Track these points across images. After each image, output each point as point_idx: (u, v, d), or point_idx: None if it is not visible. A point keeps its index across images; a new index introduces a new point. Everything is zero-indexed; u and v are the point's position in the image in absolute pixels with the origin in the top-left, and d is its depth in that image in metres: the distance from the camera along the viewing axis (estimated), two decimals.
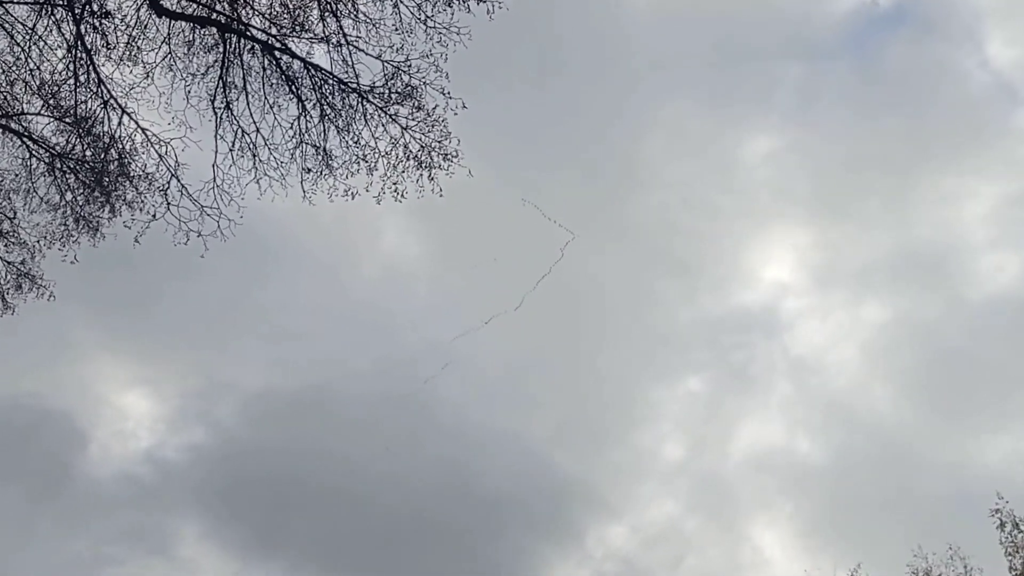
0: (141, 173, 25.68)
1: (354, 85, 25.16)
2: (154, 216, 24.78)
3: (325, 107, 25.23)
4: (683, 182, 68.51)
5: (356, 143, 25.75)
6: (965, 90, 70.82)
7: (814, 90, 74.03)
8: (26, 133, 26.54)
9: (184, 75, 24.63)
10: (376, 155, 25.74)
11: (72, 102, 24.97)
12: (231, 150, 24.99)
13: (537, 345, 63.32)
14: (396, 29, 24.35)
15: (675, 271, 68.78)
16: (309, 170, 25.86)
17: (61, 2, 24.19)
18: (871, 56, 73.49)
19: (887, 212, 71.79)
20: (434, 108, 25.30)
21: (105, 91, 24.85)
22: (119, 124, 24.99)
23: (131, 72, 24.82)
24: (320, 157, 25.81)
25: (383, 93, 25.17)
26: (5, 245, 27.33)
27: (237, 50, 24.71)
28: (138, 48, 24.51)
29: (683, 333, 70.46)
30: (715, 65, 68.81)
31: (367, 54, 24.83)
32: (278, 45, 24.79)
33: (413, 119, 25.34)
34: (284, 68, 25.00)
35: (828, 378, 70.12)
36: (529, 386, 66.06)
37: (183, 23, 24.53)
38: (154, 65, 24.65)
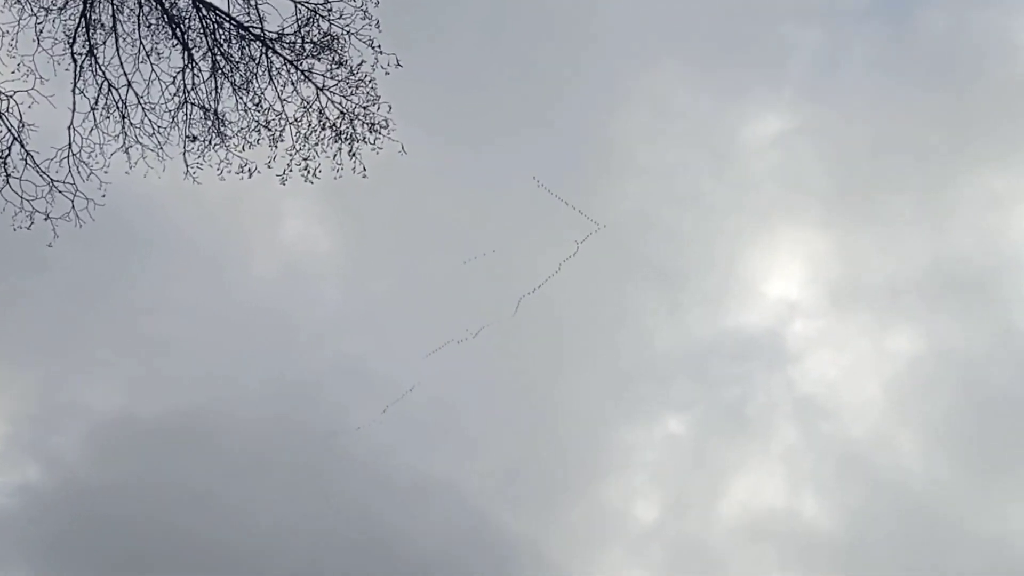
0: None
1: (257, 31, 25.15)
2: None
3: (219, 58, 25.25)
4: (667, 169, 69.56)
5: (257, 106, 25.67)
6: (1021, 66, 73.25)
7: (836, 59, 75.75)
8: None
9: (35, 8, 24.22)
10: (283, 122, 25.79)
11: None
12: (93, 109, 24.74)
13: (480, 374, 63.74)
14: None
15: (654, 282, 69.77)
16: (195, 138, 25.68)
17: None
18: (906, 20, 75.48)
19: (922, 215, 73.65)
20: (360, 65, 25.41)
21: None
22: None
23: None
24: (210, 122, 25.70)
25: (295, 43, 25.24)
26: None
27: None
28: None
29: (663, 360, 71.37)
30: (713, 24, 69.98)
31: None
32: None
33: (332, 78, 25.45)
34: (166, 5, 24.92)
35: (844, 424, 71.48)
36: (470, 425, 66.35)
37: None
38: None
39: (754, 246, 73.27)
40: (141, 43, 25.13)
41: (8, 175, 24.89)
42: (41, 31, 24.61)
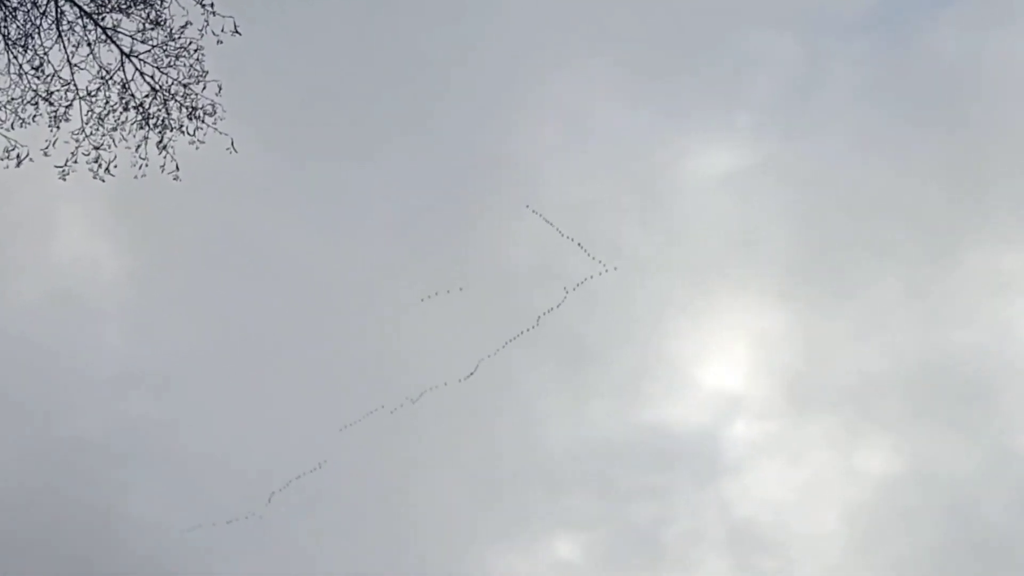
0: None
1: None
2: None
3: None
4: (575, 206, 70.50)
5: (37, 70, 25.59)
6: None
7: (812, 82, 78.03)
8: None
9: None
10: (71, 95, 25.84)
11: None
12: None
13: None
14: None
15: (549, 359, 70.33)
16: None
17: None
18: (907, 39, 78.22)
19: (910, 296, 75.67)
20: (183, 28, 25.63)
21: None
22: None
23: None
24: None
25: None
26: None
27: None
28: None
29: (555, 463, 71.82)
30: (657, 22, 71.81)
31: None
32: None
33: (144, 41, 25.62)
34: None
35: (791, 562, 72.34)
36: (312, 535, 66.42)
37: None
38: None
39: (688, 319, 74.34)
40: None
41: None
42: None
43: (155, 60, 25.92)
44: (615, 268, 68.12)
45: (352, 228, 70.92)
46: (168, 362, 66.23)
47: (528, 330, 68.86)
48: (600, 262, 67.98)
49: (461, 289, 67.76)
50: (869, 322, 75.24)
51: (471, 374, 68.61)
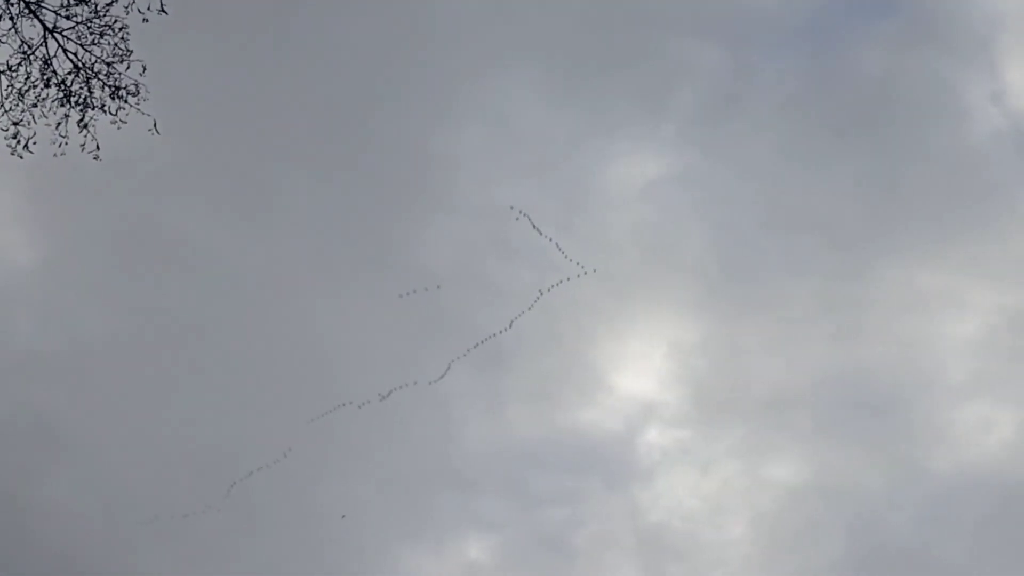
0: None
1: None
2: None
3: None
4: (498, 209, 70.54)
5: None
6: (967, 132, 77.41)
7: (740, 92, 78.52)
8: None
9: None
10: None
11: None
12: None
13: None
14: None
15: (466, 359, 70.05)
16: None
17: None
18: (835, 54, 79.06)
19: (825, 311, 76.38)
20: (109, 5, 25.46)
21: None
22: None
23: None
24: None
25: None
26: None
27: None
28: None
29: (468, 464, 71.78)
30: (585, 28, 72.01)
31: None
32: None
33: (69, 17, 25.45)
34: None
35: (699, 569, 73.05)
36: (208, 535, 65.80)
37: None
38: None
39: (605, 325, 74.61)
40: None
41: None
42: None
43: (79, 37, 25.76)
44: (594, 270, 68.55)
45: (275, 222, 70.61)
46: (79, 349, 65.44)
47: (500, 332, 69.44)
48: (579, 264, 68.35)
49: (439, 287, 68.08)
50: (783, 334, 75.98)
51: (442, 376, 69.18)
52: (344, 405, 67.03)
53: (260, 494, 67.05)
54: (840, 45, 79.08)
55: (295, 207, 70.49)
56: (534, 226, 68.12)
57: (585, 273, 68.24)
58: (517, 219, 68.28)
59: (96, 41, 25.79)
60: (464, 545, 72.22)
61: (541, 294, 68.46)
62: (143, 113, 26.36)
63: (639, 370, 76.27)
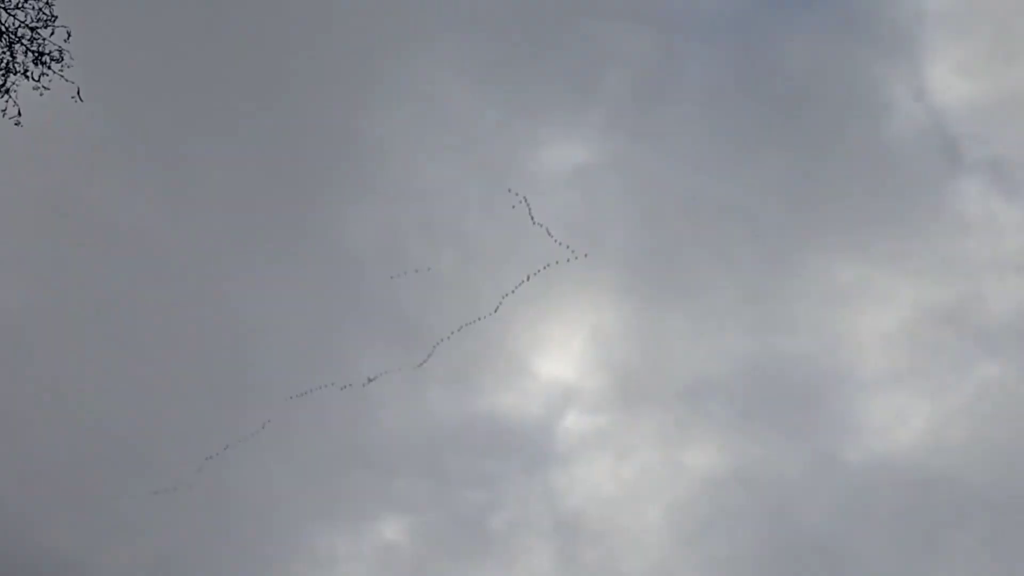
0: None
1: None
2: None
3: None
4: (424, 191, 70.67)
5: None
6: (890, 128, 78.66)
7: (666, 80, 79.01)
8: None
9: None
10: None
11: None
12: None
13: None
14: None
15: (386, 339, 69.99)
16: None
17: None
18: (762, 44, 79.64)
19: (747, 299, 77.09)
20: None
21: None
22: None
23: None
24: None
25: None
26: None
27: None
28: None
29: (385, 445, 71.66)
30: (514, 13, 72.07)
31: None
32: None
33: None
34: None
35: (614, 553, 73.38)
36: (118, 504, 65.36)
37: None
38: None
39: (527, 309, 74.51)
40: None
41: None
42: None
43: (2, 1, 25.32)
44: (585, 255, 68.58)
45: (198, 198, 70.10)
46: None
47: (487, 316, 69.48)
48: (569, 248, 68.34)
49: (429, 269, 68.04)
50: (704, 324, 76.53)
51: (424, 361, 69.26)
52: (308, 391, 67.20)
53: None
54: (768, 37, 79.91)
55: (219, 183, 70.09)
56: (529, 212, 68.30)
57: (576, 258, 68.68)
58: (514, 207, 68.48)
59: (20, 5, 25.47)
60: (380, 526, 72.28)
61: (528, 278, 68.86)
62: (67, 80, 26.05)
63: (560, 356, 76.71)
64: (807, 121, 77.78)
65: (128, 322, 67.83)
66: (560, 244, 67.99)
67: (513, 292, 68.39)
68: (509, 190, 68.51)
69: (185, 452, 66.57)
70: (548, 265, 68.46)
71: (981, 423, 73.07)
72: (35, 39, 25.54)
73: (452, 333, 69.41)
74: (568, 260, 68.49)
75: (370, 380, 68.58)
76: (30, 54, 25.57)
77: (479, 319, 68.88)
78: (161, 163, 67.64)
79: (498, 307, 68.99)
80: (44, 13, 25.33)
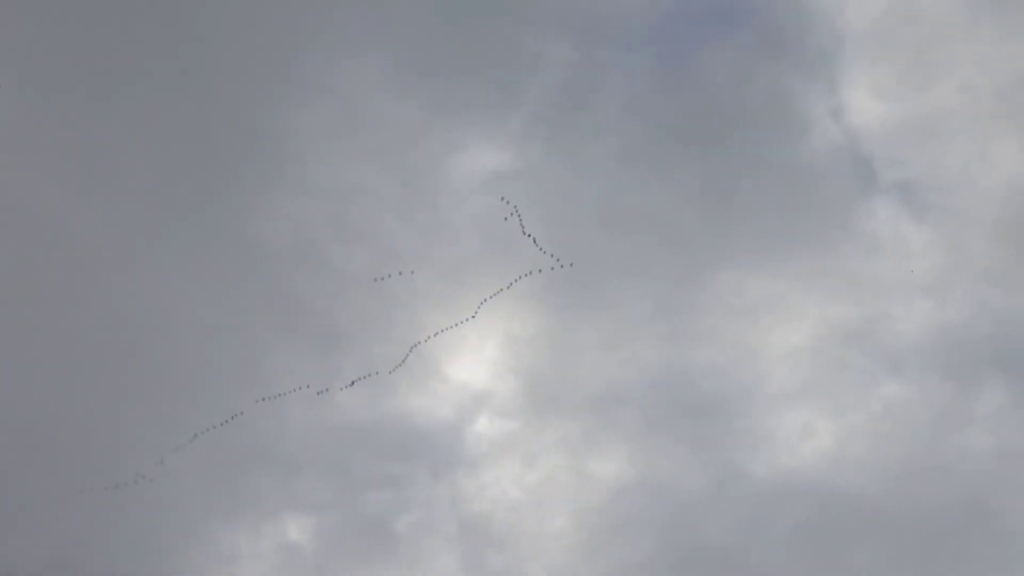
0: None
1: None
2: None
3: None
4: (342, 191, 70.57)
5: None
6: (806, 146, 79.69)
7: (587, 92, 79.27)
8: None
9: None
10: None
11: None
12: None
13: None
14: None
15: (293, 339, 69.81)
16: None
17: None
18: (683, 61, 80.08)
19: (659, 311, 77.64)
20: None
21: None
22: None
23: None
24: None
25: None
26: None
27: None
28: None
29: (290, 444, 71.51)
30: (439, 19, 71.91)
31: None
32: None
33: None
34: None
35: (519, 559, 73.80)
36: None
37: None
38: None
39: (441, 312, 74.57)
40: None
41: None
42: None
43: None
44: (570, 264, 68.97)
45: (113, 188, 69.67)
46: None
47: (466, 320, 69.66)
48: (554, 256, 68.61)
49: (412, 272, 68.10)
50: (616, 333, 76.91)
51: (400, 363, 69.32)
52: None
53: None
54: (689, 51, 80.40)
55: (136, 175, 69.66)
56: (520, 222, 68.59)
57: (562, 266, 69.15)
58: (506, 218, 68.92)
59: None
60: (283, 526, 72.28)
61: (511, 285, 69.35)
62: None
63: (472, 360, 76.80)
64: (725, 136, 78.48)
65: (34, 315, 67.38)
66: (545, 253, 68.68)
67: (491, 298, 69.04)
68: (503, 199, 69.02)
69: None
70: (531, 272, 69.16)
71: (883, 441, 74.08)
72: None
73: (429, 338, 69.96)
74: (552, 269, 69.28)
75: (352, 383, 69.10)
76: None
77: (457, 324, 69.38)
78: (77, 150, 67.13)
79: (475, 313, 69.62)
80: None
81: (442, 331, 70.71)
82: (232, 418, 67.96)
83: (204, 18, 68.58)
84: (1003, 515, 70.69)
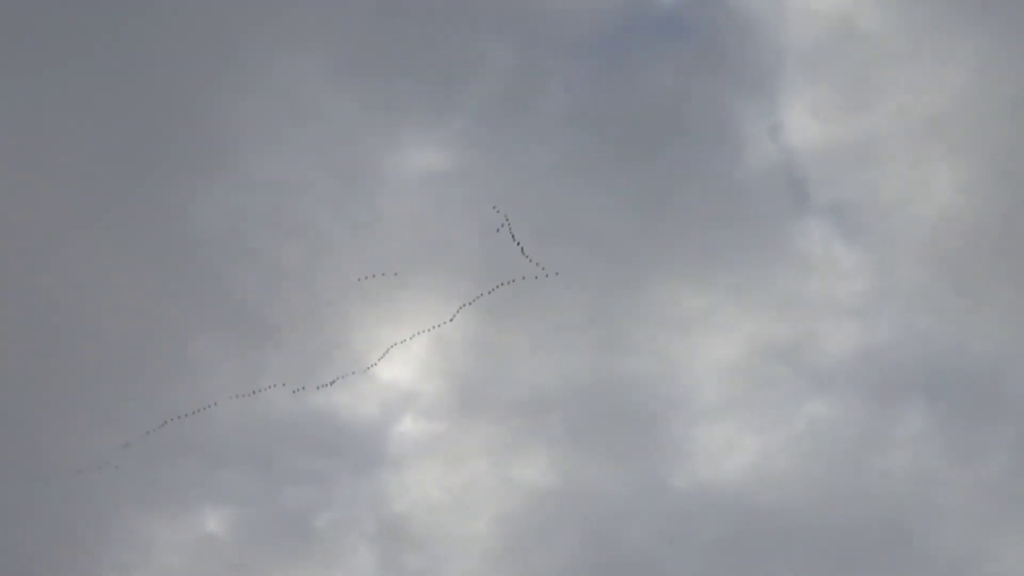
0: None
1: None
2: None
3: None
4: (277, 184, 70.75)
5: None
6: (743, 163, 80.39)
7: (528, 96, 79.55)
8: None
9: None
10: None
11: None
12: None
13: None
14: None
15: (221, 325, 69.70)
16: None
17: None
18: (625, 71, 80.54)
19: (587, 319, 77.81)
20: None
21: None
22: None
23: None
24: None
25: None
26: None
27: None
28: None
29: (218, 436, 71.16)
30: (382, 16, 71.92)
31: None
32: None
33: None
34: None
35: (436, 562, 74.15)
36: None
37: None
38: None
39: (372, 309, 74.80)
40: None
41: None
42: None
43: None
44: (556, 273, 69.35)
45: (42, 166, 69.21)
46: None
47: (444, 323, 69.79)
48: (539, 265, 68.84)
49: (396, 274, 68.25)
50: (547, 340, 77.21)
51: (375, 363, 69.43)
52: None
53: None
54: (633, 62, 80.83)
55: (71, 160, 69.30)
56: (511, 232, 68.88)
57: (547, 276, 69.58)
58: (499, 230, 69.17)
59: None
60: (201, 517, 72.12)
61: (497, 287, 69.53)
62: None
63: (401, 359, 76.68)
64: (664, 148, 79.07)
65: None
66: (531, 262, 68.92)
67: (471, 304, 69.32)
68: (495, 208, 69.34)
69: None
70: (514, 280, 69.43)
71: (805, 459, 74.70)
72: None
73: (411, 336, 70.11)
74: (536, 277, 69.69)
75: (331, 383, 69.25)
76: None
77: (434, 327, 69.67)
78: (2, 134, 66.69)
79: (453, 317, 69.91)
80: None
81: (419, 333, 70.80)
82: (203, 409, 67.90)
83: (151, 4, 68.44)
84: (920, 537, 71.49)
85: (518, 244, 69.80)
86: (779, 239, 78.42)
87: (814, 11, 79.82)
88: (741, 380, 77.37)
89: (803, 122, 79.97)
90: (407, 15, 74.60)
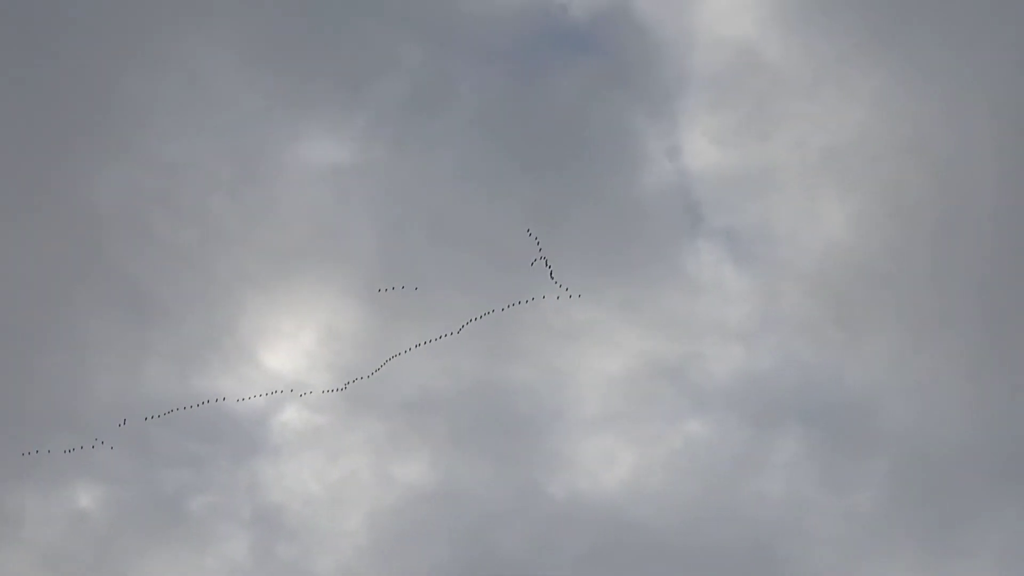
0: None
1: None
2: None
3: None
4: (176, 168, 70.61)
5: None
6: (641, 181, 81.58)
7: (439, 95, 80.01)
8: None
9: None
10: None
11: None
12: None
13: None
14: None
15: (115, 308, 69.29)
16: None
17: None
18: (533, 81, 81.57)
19: (482, 327, 77.80)
20: None
21: None
22: None
23: None
24: None
25: None
26: None
27: None
28: None
29: (95, 414, 70.81)
30: (290, 7, 72.09)
31: None
32: None
33: None
34: None
35: (307, 553, 74.24)
36: None
37: None
38: None
39: (262, 298, 74.87)
40: None
41: None
42: None
43: None
44: (579, 296, 70.56)
45: None
46: None
47: (448, 335, 69.57)
48: (558, 284, 69.25)
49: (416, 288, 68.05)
50: (438, 342, 77.21)
51: (373, 373, 69.06)
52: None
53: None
54: (541, 74, 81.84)
55: None
56: (538, 246, 69.01)
57: (570, 297, 69.88)
58: (533, 263, 69.30)
59: None
60: (74, 493, 71.64)
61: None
62: None
63: (288, 349, 76.91)
64: (566, 161, 79.89)
65: None
66: (556, 283, 69.39)
67: (478, 319, 69.55)
68: (528, 231, 69.88)
69: None
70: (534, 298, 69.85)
71: (680, 477, 75.79)
72: None
73: (407, 350, 70.16)
74: (558, 298, 70.07)
75: (345, 386, 69.30)
76: None
77: (439, 337, 69.69)
78: None
79: (460, 329, 69.99)
80: None
81: (420, 344, 70.80)
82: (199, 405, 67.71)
83: None
84: (789, 563, 72.73)
85: (548, 267, 70.18)
86: (671, 259, 79.67)
87: (721, 38, 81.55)
88: (624, 394, 78.38)
89: (702, 146, 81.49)
90: (322, 10, 74.79)
